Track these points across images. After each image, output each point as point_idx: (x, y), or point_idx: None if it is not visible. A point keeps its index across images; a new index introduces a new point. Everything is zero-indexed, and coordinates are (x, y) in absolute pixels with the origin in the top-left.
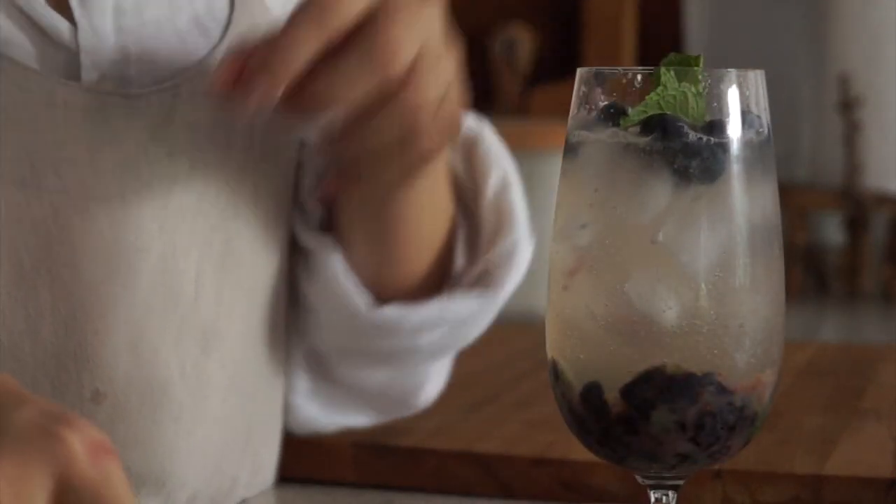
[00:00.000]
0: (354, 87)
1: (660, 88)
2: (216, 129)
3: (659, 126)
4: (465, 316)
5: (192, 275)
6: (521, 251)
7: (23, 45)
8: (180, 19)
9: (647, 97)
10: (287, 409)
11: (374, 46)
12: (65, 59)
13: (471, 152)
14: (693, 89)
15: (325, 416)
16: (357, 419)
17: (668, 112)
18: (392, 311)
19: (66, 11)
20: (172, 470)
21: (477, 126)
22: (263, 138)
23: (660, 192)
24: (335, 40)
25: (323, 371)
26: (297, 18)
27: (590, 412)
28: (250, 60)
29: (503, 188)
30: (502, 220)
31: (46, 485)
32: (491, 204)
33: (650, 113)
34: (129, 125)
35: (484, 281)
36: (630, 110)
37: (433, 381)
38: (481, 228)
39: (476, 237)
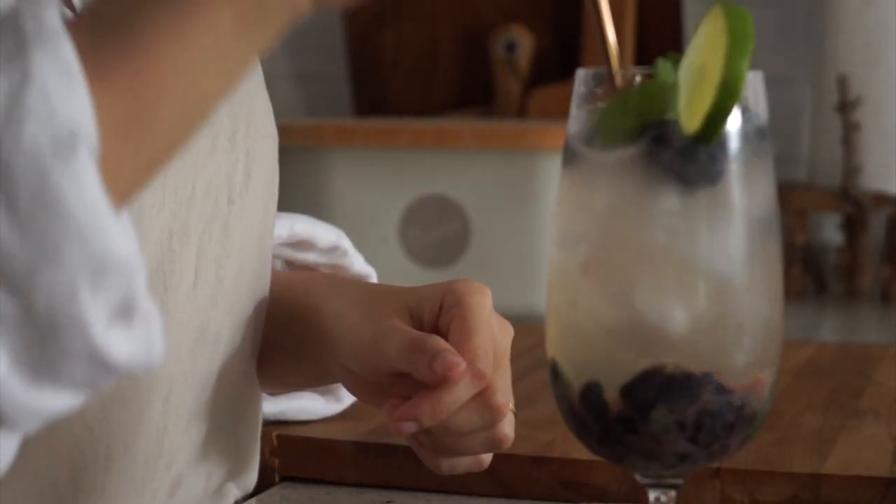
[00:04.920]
0: (471, 426)
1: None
2: None
3: (659, 129)
4: None
5: (191, 260)
6: None
7: None
8: None
9: (628, 90)
10: None
11: (489, 409)
12: None
13: None
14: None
15: None
16: None
17: (653, 102)
18: None
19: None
20: (161, 445)
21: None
22: (246, 133)
23: (660, 192)
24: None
25: None
26: (462, 386)
27: (589, 412)
28: (418, 409)
29: None
30: None
31: None
32: None
33: (635, 101)
34: None
35: None
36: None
37: None
38: None
39: None
